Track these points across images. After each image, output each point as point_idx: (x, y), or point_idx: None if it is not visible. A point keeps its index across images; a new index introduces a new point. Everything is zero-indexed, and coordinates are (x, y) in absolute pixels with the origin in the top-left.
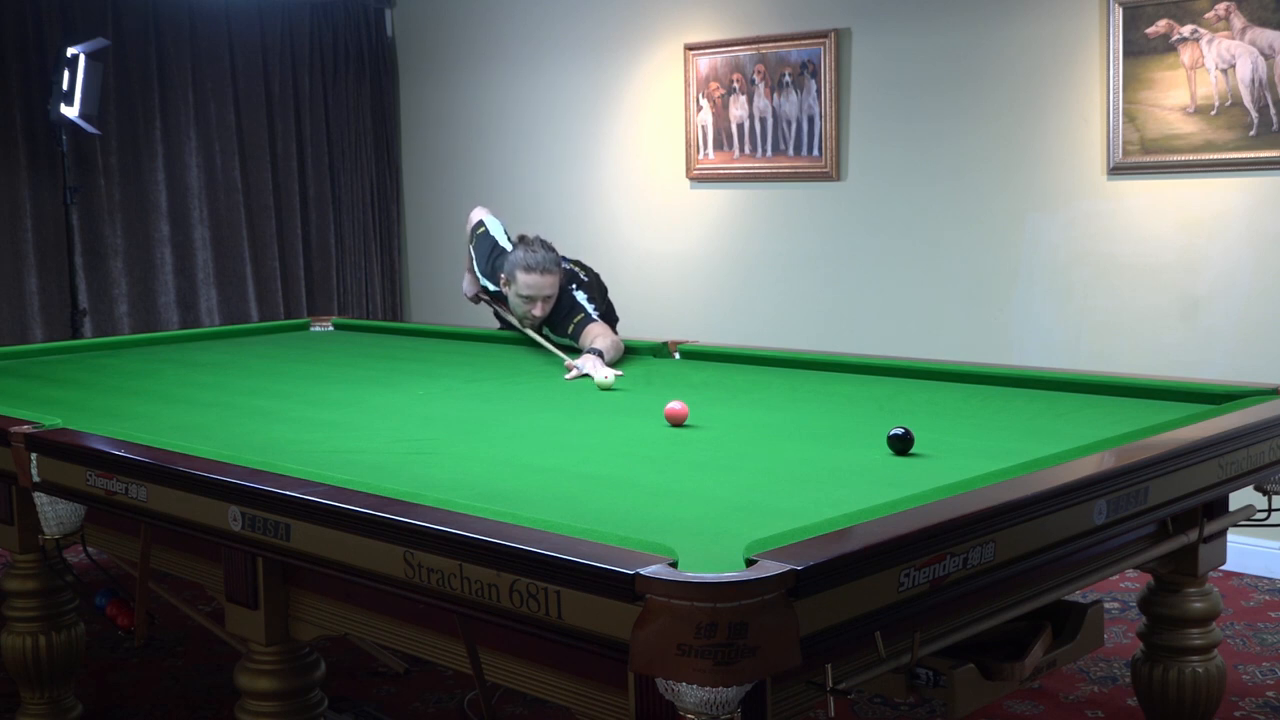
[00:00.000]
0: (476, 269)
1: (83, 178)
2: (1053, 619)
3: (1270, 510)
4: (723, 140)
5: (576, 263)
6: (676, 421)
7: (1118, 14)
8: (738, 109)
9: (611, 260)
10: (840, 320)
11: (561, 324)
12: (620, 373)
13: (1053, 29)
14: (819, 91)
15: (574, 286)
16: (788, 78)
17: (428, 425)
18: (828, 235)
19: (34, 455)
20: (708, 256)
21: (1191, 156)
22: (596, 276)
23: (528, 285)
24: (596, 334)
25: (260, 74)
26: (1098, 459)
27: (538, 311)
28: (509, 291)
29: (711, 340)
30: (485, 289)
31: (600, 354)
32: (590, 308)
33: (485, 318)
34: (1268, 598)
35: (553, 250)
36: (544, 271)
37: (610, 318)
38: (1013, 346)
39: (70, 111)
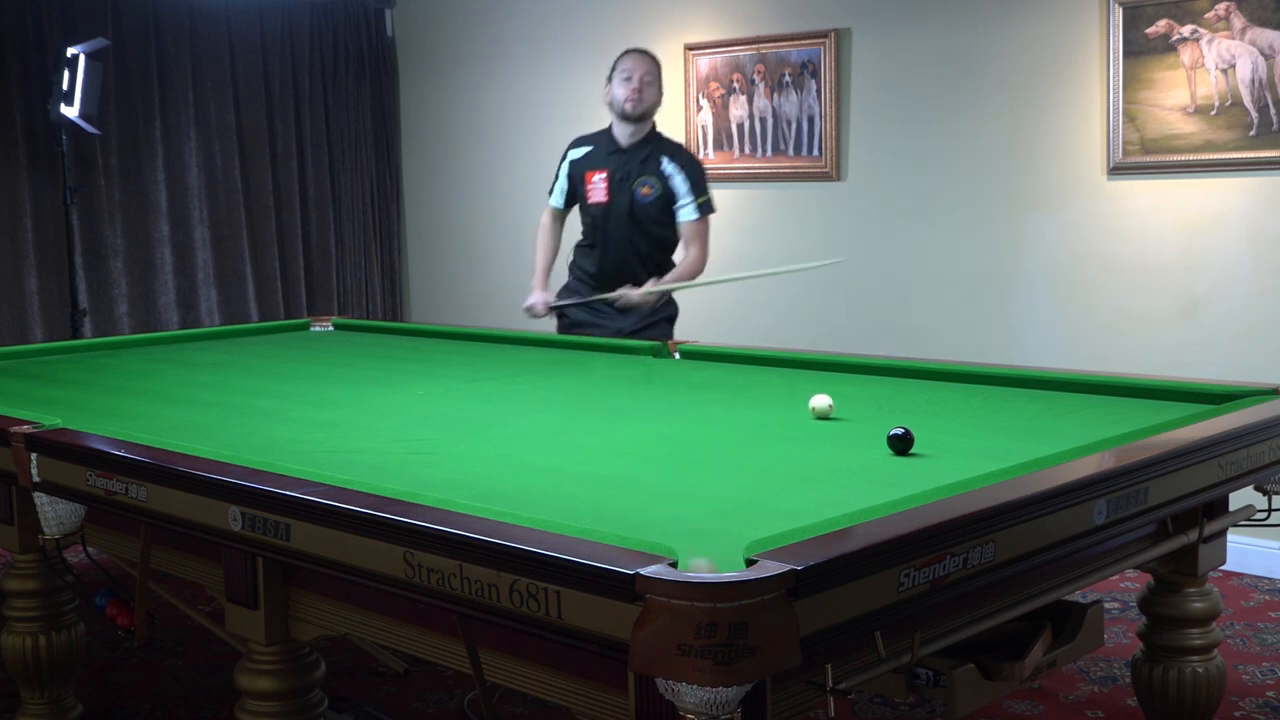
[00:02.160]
0: (555, 185)
1: (83, 178)
2: (1053, 619)
3: (1270, 510)
4: (723, 140)
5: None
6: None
7: (1118, 14)
8: (738, 109)
9: None
10: (840, 320)
11: (671, 211)
12: (652, 291)
13: (1053, 29)
14: (819, 91)
15: (668, 158)
16: (788, 78)
17: (428, 425)
18: (828, 235)
19: (34, 455)
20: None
21: (1191, 156)
22: (700, 166)
23: (626, 64)
24: (688, 237)
25: (260, 74)
26: (1098, 459)
27: (635, 89)
28: (608, 91)
29: (711, 340)
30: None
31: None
32: (690, 200)
33: (484, 317)
34: (1268, 598)
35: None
36: (643, 53)
37: (708, 210)
38: (1013, 346)
39: (70, 111)
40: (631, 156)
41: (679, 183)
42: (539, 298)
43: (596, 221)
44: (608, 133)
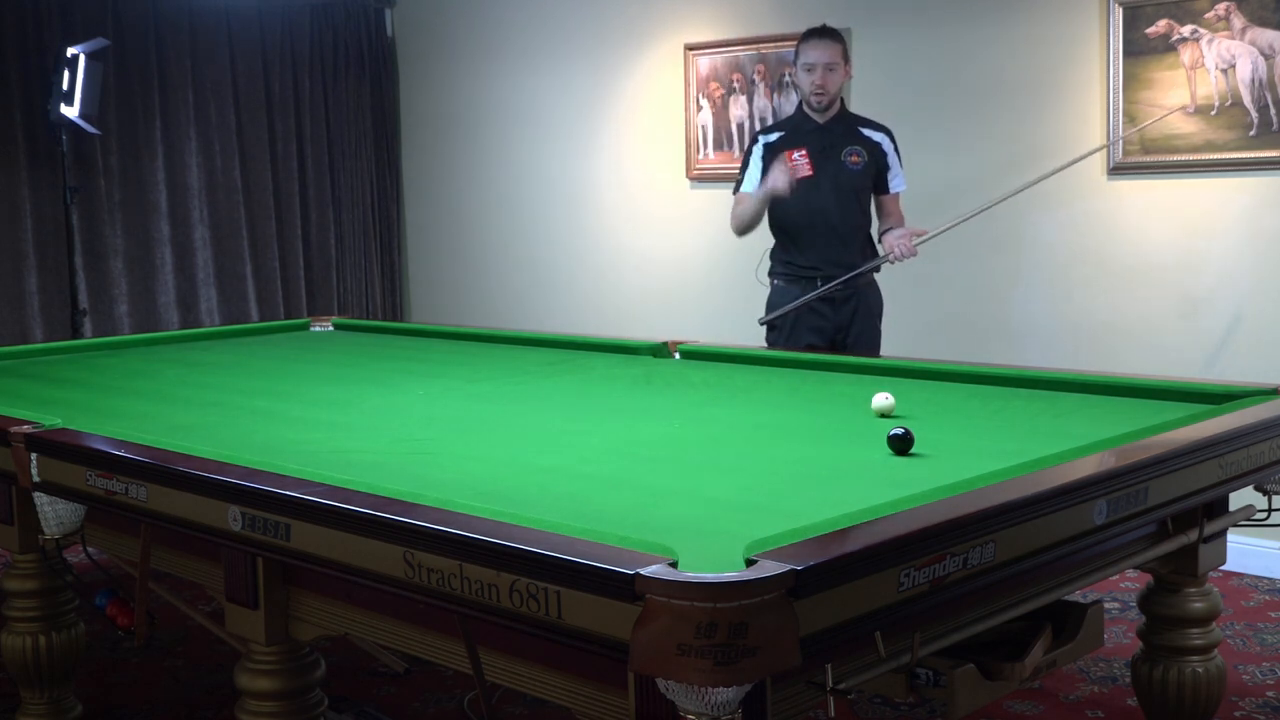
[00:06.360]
0: (746, 176)
1: (83, 178)
2: (1053, 619)
3: (1270, 510)
4: (723, 140)
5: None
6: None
7: (1118, 14)
8: (738, 109)
9: (611, 260)
10: None
11: (883, 181)
12: (923, 238)
13: (1053, 29)
14: None
15: (871, 129)
16: (788, 78)
17: (428, 425)
18: None
19: (34, 455)
20: (708, 256)
21: (1191, 156)
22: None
23: (808, 53)
24: (894, 208)
25: (260, 74)
26: (1098, 459)
27: (818, 83)
28: (794, 74)
29: (711, 340)
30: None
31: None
32: (900, 171)
33: (484, 317)
34: (1268, 598)
35: (838, 33)
36: (822, 36)
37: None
38: (1013, 346)
39: (70, 111)
40: (830, 130)
41: (890, 150)
42: (774, 174)
43: (801, 199)
44: (798, 114)
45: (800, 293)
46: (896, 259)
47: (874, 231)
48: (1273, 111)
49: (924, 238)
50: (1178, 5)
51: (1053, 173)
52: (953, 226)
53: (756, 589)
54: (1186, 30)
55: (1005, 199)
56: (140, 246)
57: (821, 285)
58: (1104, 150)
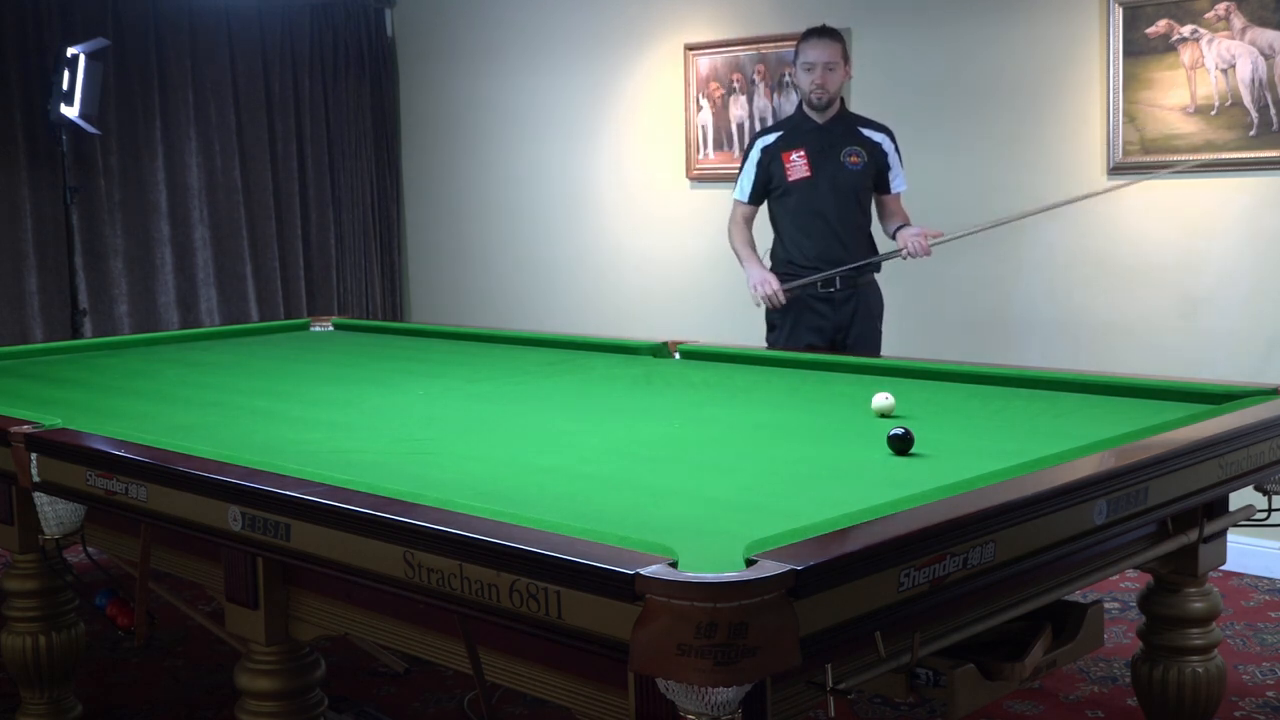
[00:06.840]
0: (742, 180)
1: (83, 178)
2: (1053, 619)
3: (1270, 510)
4: (723, 140)
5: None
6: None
7: (1118, 14)
8: (738, 109)
9: (611, 260)
10: None
11: (884, 180)
12: (940, 240)
13: (1053, 29)
14: None
15: (871, 129)
16: (788, 78)
17: (428, 425)
18: None
19: (34, 455)
20: (708, 256)
21: (1191, 156)
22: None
23: (808, 53)
24: (898, 208)
25: (260, 74)
26: (1098, 459)
27: (818, 82)
28: (794, 74)
29: (711, 340)
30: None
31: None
32: (901, 171)
33: (484, 317)
34: (1268, 598)
35: (838, 33)
36: (822, 35)
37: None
38: (1013, 346)
39: (70, 111)
40: (829, 131)
41: (891, 150)
42: (766, 275)
43: (800, 200)
44: (798, 114)
45: (799, 292)
46: (911, 255)
47: (874, 232)
48: (1273, 111)
49: (939, 240)
50: (1178, 5)
51: (1057, 205)
52: (968, 234)
53: (756, 589)
54: (1186, 30)
55: (1025, 216)
56: (140, 246)
57: (822, 282)
58: (1104, 151)
